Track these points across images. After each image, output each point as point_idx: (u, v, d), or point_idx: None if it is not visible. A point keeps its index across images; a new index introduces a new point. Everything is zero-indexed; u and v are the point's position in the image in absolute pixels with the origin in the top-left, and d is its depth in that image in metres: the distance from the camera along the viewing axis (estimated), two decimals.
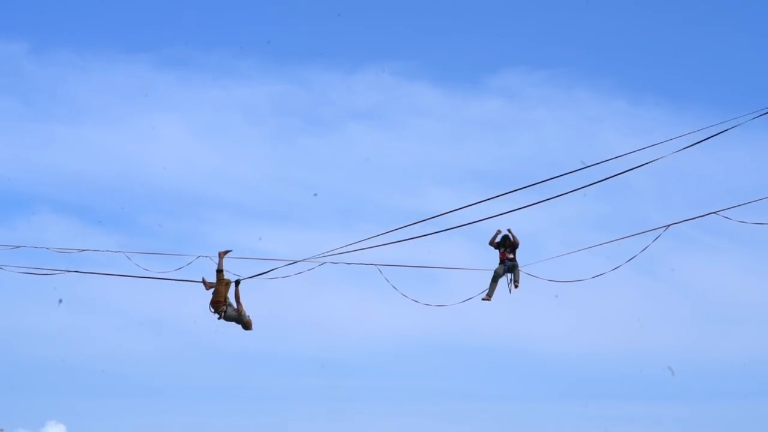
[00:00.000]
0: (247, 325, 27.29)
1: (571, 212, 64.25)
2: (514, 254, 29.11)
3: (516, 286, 28.85)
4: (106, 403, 62.70)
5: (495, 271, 29.04)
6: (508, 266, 29.08)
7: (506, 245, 29.21)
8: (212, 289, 27.00)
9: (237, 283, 27.09)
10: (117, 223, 70.03)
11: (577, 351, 65.91)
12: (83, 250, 28.69)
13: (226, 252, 26.99)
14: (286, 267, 26.73)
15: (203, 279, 27.18)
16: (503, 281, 29.01)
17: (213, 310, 26.86)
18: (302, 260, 26.99)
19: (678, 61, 77.61)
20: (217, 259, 26.98)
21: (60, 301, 42.06)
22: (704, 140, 21.90)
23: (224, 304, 26.94)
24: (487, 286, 28.90)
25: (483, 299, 28.78)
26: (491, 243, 29.28)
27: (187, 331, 62.18)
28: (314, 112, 76.19)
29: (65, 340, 63.84)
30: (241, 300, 27.08)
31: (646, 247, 25.59)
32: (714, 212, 24.05)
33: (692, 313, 66.42)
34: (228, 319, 27.00)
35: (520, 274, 28.93)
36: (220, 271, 26.93)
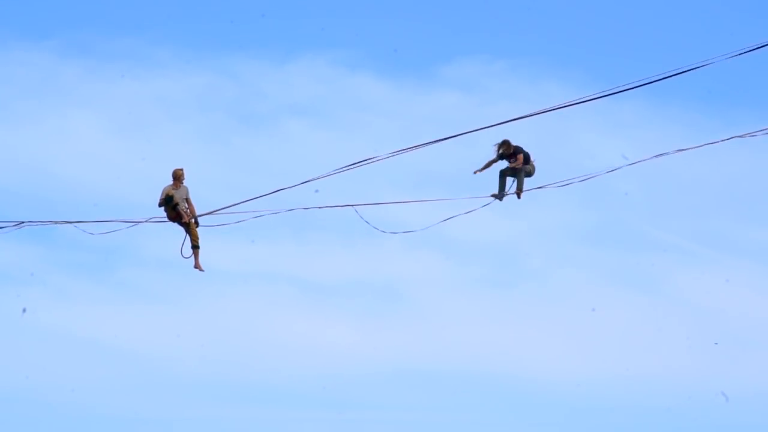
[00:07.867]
0: (192, 230, 29.50)
1: None
2: (517, 159, 29.12)
3: (518, 195, 29.32)
4: None
5: (501, 171, 29.60)
6: (510, 169, 29.42)
7: (503, 156, 29.27)
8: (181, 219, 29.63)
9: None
10: (35, 233, 65.63)
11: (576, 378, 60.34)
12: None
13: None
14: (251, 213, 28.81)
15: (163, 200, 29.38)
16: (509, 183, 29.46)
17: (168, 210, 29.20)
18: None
19: (660, 49, 70.92)
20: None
21: (24, 310, 44.87)
22: None
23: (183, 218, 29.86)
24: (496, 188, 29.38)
25: (492, 195, 29.34)
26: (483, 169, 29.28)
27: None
28: (245, 107, 71.86)
29: None
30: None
31: None
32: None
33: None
34: (176, 212, 29.28)
35: (524, 180, 29.23)
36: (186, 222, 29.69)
